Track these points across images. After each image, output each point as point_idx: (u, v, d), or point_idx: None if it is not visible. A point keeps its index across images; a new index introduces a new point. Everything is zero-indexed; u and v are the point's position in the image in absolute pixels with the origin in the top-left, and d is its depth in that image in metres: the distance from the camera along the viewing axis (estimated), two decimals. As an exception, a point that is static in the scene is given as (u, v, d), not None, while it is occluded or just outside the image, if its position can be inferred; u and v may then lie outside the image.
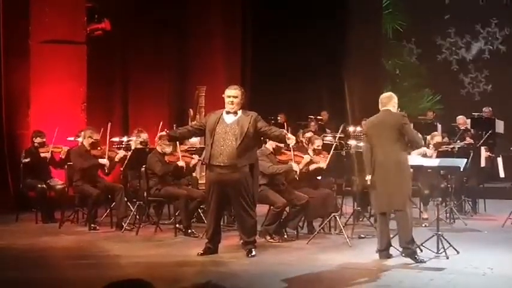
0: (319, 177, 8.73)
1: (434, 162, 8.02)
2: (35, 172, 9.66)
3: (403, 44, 17.10)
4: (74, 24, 11.52)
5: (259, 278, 6.30)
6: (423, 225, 9.13)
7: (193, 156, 8.99)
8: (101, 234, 8.74)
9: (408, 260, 6.78)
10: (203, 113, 9.76)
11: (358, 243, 7.87)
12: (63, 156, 9.63)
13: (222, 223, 7.95)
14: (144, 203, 8.87)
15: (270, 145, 8.22)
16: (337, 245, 7.84)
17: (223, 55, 14.17)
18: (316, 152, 8.80)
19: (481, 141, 11.53)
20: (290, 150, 8.22)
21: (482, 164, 10.75)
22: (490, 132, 12.09)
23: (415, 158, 7.82)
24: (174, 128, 8.63)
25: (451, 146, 10.64)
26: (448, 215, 9.59)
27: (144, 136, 9.82)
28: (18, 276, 6.40)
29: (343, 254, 7.29)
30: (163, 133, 7.79)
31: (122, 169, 9.69)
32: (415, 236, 6.92)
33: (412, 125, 7.57)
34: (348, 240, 7.80)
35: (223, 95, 7.15)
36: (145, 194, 8.72)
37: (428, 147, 9.84)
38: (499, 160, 10.10)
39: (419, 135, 7.64)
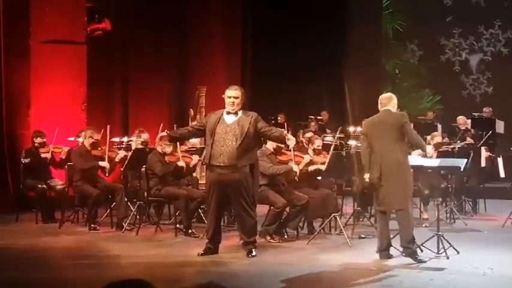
0: (319, 178, 8.73)
1: (435, 162, 8.02)
2: (35, 172, 9.65)
3: (405, 44, 17.07)
4: (74, 24, 11.53)
5: (259, 278, 6.30)
6: (423, 225, 9.13)
7: (193, 156, 8.99)
8: (101, 234, 8.74)
9: (408, 260, 6.78)
10: (203, 113, 9.75)
11: (358, 244, 7.87)
12: (63, 157, 9.63)
13: (222, 223, 7.95)
14: (145, 203, 8.87)
15: (271, 145, 8.22)
16: (338, 245, 7.84)
17: (223, 55, 14.18)
18: (316, 152, 8.80)
19: (482, 142, 11.53)
20: (290, 151, 8.22)
21: (483, 164, 10.75)
22: (490, 132, 12.09)
23: (415, 158, 7.82)
24: (175, 128, 8.63)
25: (451, 146, 10.64)
26: (448, 215, 9.59)
27: (145, 136, 9.82)
28: (18, 276, 6.40)
29: (343, 254, 7.29)
30: (164, 134, 7.79)
31: (122, 169, 9.69)
32: (415, 236, 6.92)
33: (412, 125, 7.55)
34: (348, 240, 7.80)
35: (223, 95, 7.16)
36: (145, 194, 8.72)
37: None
38: (499, 160, 10.11)
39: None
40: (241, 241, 7.28)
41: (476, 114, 14.02)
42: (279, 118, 14.22)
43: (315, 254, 7.30)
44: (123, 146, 9.86)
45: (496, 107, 14.51)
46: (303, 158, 8.52)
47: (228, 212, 8.69)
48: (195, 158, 8.94)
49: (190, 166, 8.97)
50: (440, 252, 7.00)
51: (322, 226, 8.41)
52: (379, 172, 6.81)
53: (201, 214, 8.88)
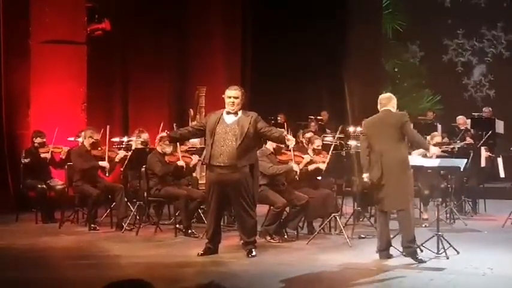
0: (319, 178, 8.73)
1: (435, 162, 8.01)
2: (35, 172, 9.66)
3: (407, 45, 17.05)
4: (74, 24, 11.53)
5: (259, 278, 6.30)
6: (423, 225, 9.12)
7: (193, 156, 8.99)
8: (101, 234, 8.74)
9: (408, 260, 6.78)
10: (203, 113, 9.76)
11: (358, 244, 7.87)
12: (63, 157, 9.63)
13: (222, 223, 7.95)
14: (144, 203, 8.87)
15: (271, 145, 8.22)
16: (337, 245, 7.84)
17: (223, 55, 14.18)
18: (316, 152, 8.80)
19: (481, 142, 11.53)
20: (290, 151, 8.22)
21: (483, 164, 10.75)
22: (490, 132, 12.08)
23: (415, 158, 7.82)
24: (175, 128, 8.63)
25: (451, 146, 10.64)
26: (448, 215, 9.59)
27: (145, 136, 9.82)
28: (18, 276, 6.40)
29: (343, 254, 7.29)
30: (164, 134, 7.79)
31: (122, 169, 9.69)
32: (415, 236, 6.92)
33: (412, 125, 7.56)
34: (348, 240, 7.80)
35: (223, 95, 7.15)
36: (145, 194, 8.71)
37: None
38: (499, 160, 10.10)
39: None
40: (241, 241, 7.28)
41: (476, 114, 14.03)
42: (279, 118, 14.22)
43: (315, 254, 7.30)
44: (123, 146, 9.86)
45: (497, 109, 14.51)
46: (303, 158, 8.52)
47: (228, 212, 8.69)
48: (195, 158, 8.94)
49: (190, 166, 8.97)
50: (440, 252, 7.00)
51: (322, 226, 8.41)
52: (380, 172, 6.80)
53: (201, 214, 8.88)
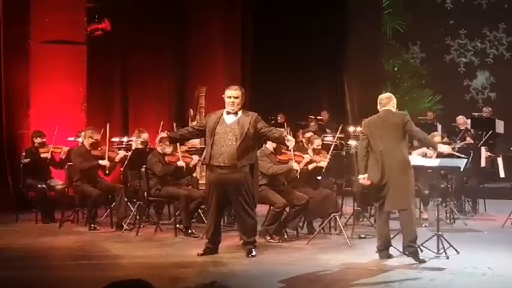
0: (319, 177, 8.73)
1: (435, 162, 8.01)
2: (35, 172, 9.66)
3: (408, 46, 17.03)
4: (74, 24, 11.53)
5: (259, 278, 6.29)
6: (423, 225, 9.12)
7: (193, 156, 8.99)
8: (101, 234, 8.74)
9: (408, 260, 6.78)
10: (203, 113, 9.75)
11: (358, 244, 7.87)
12: (63, 157, 9.63)
13: (222, 223, 7.95)
14: (144, 203, 8.87)
15: (271, 145, 8.22)
16: (337, 245, 7.84)
17: (223, 55, 14.18)
18: (316, 152, 8.80)
19: (482, 142, 11.53)
20: (290, 151, 8.22)
21: (483, 164, 10.75)
22: (490, 132, 12.08)
23: (415, 158, 7.81)
24: (175, 128, 8.63)
25: (451, 146, 10.63)
26: (448, 215, 9.60)
27: (145, 136, 9.83)
28: (18, 276, 6.40)
29: (343, 254, 7.28)
30: (164, 135, 7.79)
31: (122, 169, 9.69)
32: (415, 236, 6.93)
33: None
34: (348, 240, 7.80)
35: (223, 95, 7.15)
36: (145, 194, 8.71)
37: (428, 148, 9.83)
38: (499, 160, 10.11)
39: None
40: (241, 241, 7.28)
41: (476, 114, 14.03)
42: (279, 118, 14.24)
43: (315, 254, 7.30)
44: (123, 146, 9.86)
45: (498, 110, 14.50)
46: (303, 157, 8.52)
47: (228, 212, 8.69)
48: (195, 158, 8.94)
49: (190, 166, 8.97)
50: (440, 252, 7.00)
51: (322, 226, 8.41)
52: (381, 172, 6.79)
53: (201, 214, 8.88)
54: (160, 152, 8.74)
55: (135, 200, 9.24)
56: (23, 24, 11.07)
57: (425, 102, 16.31)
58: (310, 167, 8.57)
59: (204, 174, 8.48)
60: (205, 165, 7.51)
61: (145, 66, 13.01)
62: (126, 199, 9.18)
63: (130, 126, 12.25)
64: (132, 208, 9.16)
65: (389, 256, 6.94)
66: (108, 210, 9.47)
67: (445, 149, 7.78)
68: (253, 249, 7.08)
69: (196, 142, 9.50)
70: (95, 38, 11.86)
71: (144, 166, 8.73)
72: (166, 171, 8.64)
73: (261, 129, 7.01)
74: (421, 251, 6.96)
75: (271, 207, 8.06)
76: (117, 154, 9.38)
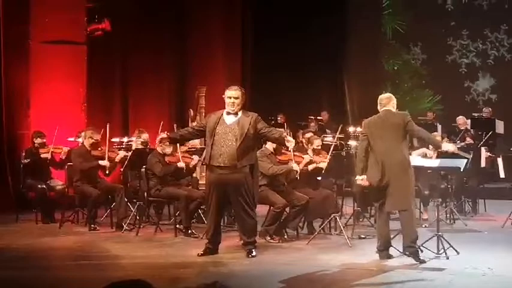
0: (319, 178, 8.73)
1: (435, 162, 8.01)
2: (35, 172, 9.66)
3: (409, 46, 17.01)
4: (74, 24, 11.54)
5: (259, 278, 6.29)
6: (423, 225, 9.12)
7: (193, 157, 8.99)
8: (101, 234, 8.74)
9: (408, 260, 6.78)
10: (203, 114, 9.75)
11: (358, 244, 7.87)
12: (63, 157, 9.63)
13: (222, 223, 7.95)
14: (144, 204, 8.86)
15: (271, 145, 8.22)
16: (338, 245, 7.84)
17: (223, 55, 14.18)
18: (316, 152, 8.80)
19: (482, 142, 11.52)
20: (290, 151, 8.22)
21: (483, 164, 10.75)
22: (490, 133, 12.08)
23: (415, 158, 7.81)
24: (175, 128, 8.63)
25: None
26: (448, 215, 9.59)
27: (145, 136, 9.83)
28: (18, 276, 6.40)
29: (343, 254, 7.28)
30: (164, 135, 7.78)
31: (122, 169, 9.69)
32: (415, 237, 6.93)
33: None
34: (348, 240, 7.80)
35: (223, 96, 7.15)
36: (145, 195, 8.71)
37: (428, 148, 9.84)
38: (499, 160, 10.10)
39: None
40: (241, 241, 7.28)
41: (476, 114, 14.03)
42: (279, 118, 14.24)
43: (315, 254, 7.30)
44: (123, 146, 9.86)
45: (499, 111, 14.50)
46: (302, 158, 8.52)
47: (228, 212, 8.69)
48: (195, 158, 8.94)
49: (190, 166, 8.97)
50: (440, 252, 7.00)
51: (322, 226, 8.41)
52: (381, 172, 6.79)
53: (201, 214, 8.88)
54: (160, 152, 8.74)
55: (135, 200, 9.24)
56: (23, 24, 11.07)
57: (426, 103, 16.31)
58: (310, 167, 8.57)
59: (204, 174, 8.48)
60: (205, 166, 7.51)
61: (145, 66, 13.02)
62: (126, 199, 9.18)
63: (131, 127, 12.25)
64: (132, 208, 9.16)
65: (390, 256, 6.94)
66: (108, 211, 9.47)
67: (449, 147, 7.70)
68: (253, 250, 7.08)
69: (196, 142, 9.50)
70: (95, 38, 11.86)
71: (144, 166, 8.72)
72: (166, 171, 8.64)
73: (261, 129, 7.01)
74: (421, 251, 6.96)
75: (271, 207, 8.06)
76: (117, 154, 9.38)
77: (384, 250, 6.94)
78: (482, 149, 10.98)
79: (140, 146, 9.59)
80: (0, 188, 10.56)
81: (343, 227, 8.24)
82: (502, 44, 16.61)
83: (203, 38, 13.85)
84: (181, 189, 8.67)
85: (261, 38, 14.97)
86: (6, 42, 10.86)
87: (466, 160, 7.66)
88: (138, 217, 8.96)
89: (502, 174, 10.06)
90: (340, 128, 9.53)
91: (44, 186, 9.55)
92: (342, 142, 10.19)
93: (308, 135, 9.44)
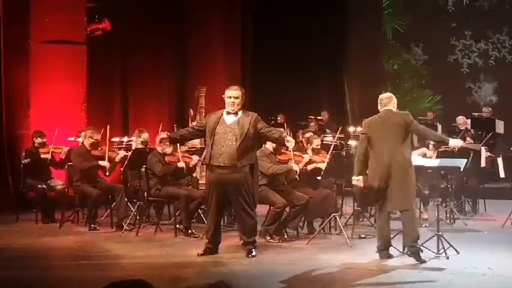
0: (319, 178, 8.73)
1: (435, 162, 8.01)
2: (35, 172, 9.66)
3: (410, 47, 17.00)
4: (74, 24, 11.54)
5: (259, 278, 6.29)
6: (423, 225, 9.11)
7: (193, 156, 8.99)
8: (101, 234, 8.74)
9: (408, 260, 6.78)
10: (203, 114, 9.75)
11: (358, 244, 7.87)
12: (63, 157, 9.63)
13: (222, 223, 7.95)
14: (144, 203, 8.87)
15: (270, 145, 8.22)
16: (338, 245, 7.84)
17: (223, 55, 14.18)
18: (315, 152, 8.80)
19: (482, 142, 11.52)
20: (290, 151, 8.22)
21: (483, 164, 10.75)
22: (490, 133, 12.08)
23: (415, 159, 7.81)
24: (175, 128, 8.62)
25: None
26: (448, 215, 9.60)
27: (145, 136, 9.83)
28: (18, 276, 6.40)
29: (343, 254, 7.28)
30: (164, 135, 7.78)
31: (122, 169, 9.70)
32: (415, 237, 6.93)
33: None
34: (348, 240, 7.80)
35: (223, 95, 7.15)
36: (145, 194, 8.71)
37: (428, 148, 9.85)
38: (499, 160, 10.11)
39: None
40: (241, 241, 7.28)
41: (476, 114, 14.02)
42: (278, 118, 14.24)
43: (315, 254, 7.30)
44: (123, 146, 9.87)
45: (499, 112, 14.49)
46: (302, 157, 8.52)
47: (228, 212, 8.69)
48: (195, 158, 8.94)
49: (190, 166, 8.97)
50: (440, 252, 7.00)
51: (322, 226, 8.41)
52: (382, 172, 6.78)
53: (201, 214, 8.88)
54: (161, 152, 8.74)
55: (135, 200, 9.24)
56: (23, 24, 11.07)
57: (426, 103, 16.30)
58: (310, 167, 8.57)
59: (204, 174, 8.48)
60: (205, 165, 7.51)
61: (145, 66, 13.02)
62: (126, 199, 9.18)
63: (131, 126, 12.25)
64: (132, 208, 9.16)
65: (390, 256, 6.94)
66: (108, 211, 9.47)
67: (455, 143, 7.46)
68: (253, 249, 7.08)
69: (196, 142, 9.50)
70: (95, 38, 11.86)
71: (144, 166, 8.72)
72: (166, 171, 8.64)
73: (261, 129, 7.01)
74: (421, 251, 6.96)
75: (271, 207, 8.06)
76: (117, 154, 9.39)
77: (384, 250, 6.94)
78: (482, 148, 10.98)
79: (140, 146, 9.59)
80: (0, 188, 10.56)
81: (343, 226, 8.24)
82: (504, 46, 16.60)
83: (203, 38, 13.85)
84: (181, 189, 8.67)
85: (261, 38, 14.97)
86: (6, 42, 10.87)
87: (465, 160, 7.65)
88: (138, 217, 8.96)
89: (502, 174, 10.06)
90: (340, 129, 9.54)
91: (44, 186, 9.55)
92: (342, 142, 10.19)
93: (308, 135, 9.44)
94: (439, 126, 13.63)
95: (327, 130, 13.10)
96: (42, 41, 11.21)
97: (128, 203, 9.25)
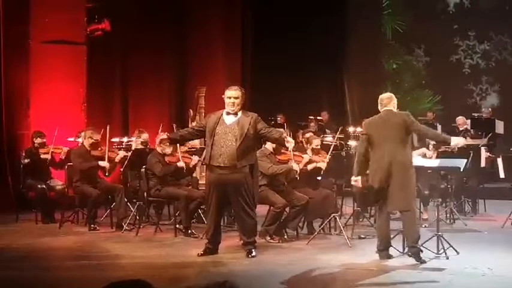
0: (319, 178, 8.73)
1: (435, 162, 8.01)
2: (35, 173, 9.66)
3: (410, 47, 16.99)
4: (74, 24, 11.54)
5: (259, 278, 6.29)
6: (423, 225, 9.11)
7: (193, 157, 8.99)
8: (101, 234, 8.74)
9: (408, 260, 6.78)
10: (203, 114, 9.75)
11: (358, 244, 7.87)
12: (63, 157, 9.63)
13: (222, 223, 7.95)
14: (144, 204, 8.87)
15: (270, 145, 8.22)
16: (337, 245, 7.84)
17: (223, 55, 14.18)
18: (315, 152, 8.80)
19: (483, 142, 11.51)
20: (290, 151, 8.22)
21: (482, 164, 10.75)
22: (490, 134, 12.07)
23: (415, 159, 7.81)
24: (174, 129, 8.62)
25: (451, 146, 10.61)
26: (448, 215, 9.60)
27: (145, 136, 9.83)
28: (18, 276, 6.40)
29: (343, 254, 7.28)
30: (164, 136, 7.78)
31: (122, 169, 9.70)
32: (415, 237, 6.93)
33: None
34: (348, 240, 7.80)
35: (223, 96, 7.15)
36: (145, 195, 8.71)
37: (428, 148, 9.84)
38: (499, 161, 10.11)
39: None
40: (241, 241, 7.28)
41: (475, 114, 14.02)
42: (278, 118, 14.23)
43: (315, 254, 7.30)
44: (123, 146, 9.87)
45: (499, 112, 14.49)
46: (302, 158, 8.52)
47: (228, 212, 8.69)
48: (195, 158, 8.94)
49: (190, 166, 8.97)
50: (440, 252, 7.00)
51: (322, 226, 8.41)
52: (383, 173, 6.77)
53: (201, 214, 8.88)
54: (160, 152, 8.74)
55: (135, 201, 9.24)
56: (23, 24, 11.07)
57: (426, 103, 16.30)
58: (310, 167, 8.57)
59: (204, 174, 8.48)
60: (205, 166, 7.51)
61: (145, 66, 13.02)
62: (126, 199, 9.18)
63: (131, 127, 12.25)
64: (132, 208, 9.16)
65: (389, 256, 6.94)
66: (108, 211, 9.47)
67: (457, 141, 7.42)
68: (253, 250, 7.08)
69: (196, 142, 9.50)
70: (94, 38, 11.87)
71: (144, 166, 8.72)
72: (166, 171, 8.64)
73: (261, 130, 7.01)
74: (421, 251, 6.96)
75: (271, 207, 8.06)
76: (117, 154, 9.39)
77: (383, 250, 6.93)
78: (482, 149, 10.98)
79: (140, 146, 9.59)
80: (0, 188, 10.56)
81: (343, 227, 8.24)
82: (505, 48, 16.59)
83: (203, 38, 13.85)
84: (181, 189, 8.67)
85: (261, 38, 14.97)
86: (6, 42, 10.87)
87: (465, 160, 7.64)
88: (138, 217, 8.96)
89: (501, 174, 10.06)
90: (340, 129, 9.54)
91: (44, 186, 9.55)
92: (342, 142, 10.20)
93: (308, 135, 9.45)
94: (439, 127, 13.63)
95: (326, 130, 13.10)
96: (42, 41, 11.21)
97: (128, 203, 9.26)
